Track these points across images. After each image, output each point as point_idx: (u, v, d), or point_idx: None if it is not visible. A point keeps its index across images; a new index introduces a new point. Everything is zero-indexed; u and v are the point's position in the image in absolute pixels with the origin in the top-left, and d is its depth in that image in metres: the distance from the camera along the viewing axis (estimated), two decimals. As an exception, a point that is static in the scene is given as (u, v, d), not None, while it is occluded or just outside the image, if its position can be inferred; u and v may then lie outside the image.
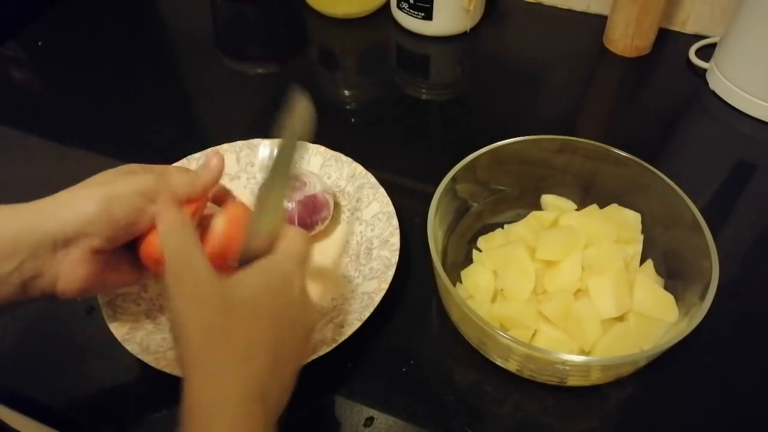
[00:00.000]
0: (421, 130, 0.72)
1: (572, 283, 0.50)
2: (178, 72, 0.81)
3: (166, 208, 0.39)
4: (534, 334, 0.49)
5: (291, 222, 0.55)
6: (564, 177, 0.59)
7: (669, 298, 0.49)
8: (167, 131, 0.71)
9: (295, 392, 0.38)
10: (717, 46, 0.73)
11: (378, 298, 0.49)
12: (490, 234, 0.57)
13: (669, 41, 0.79)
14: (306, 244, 0.41)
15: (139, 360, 0.47)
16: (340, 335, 0.48)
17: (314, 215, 0.56)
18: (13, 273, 0.38)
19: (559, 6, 0.85)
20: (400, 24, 0.82)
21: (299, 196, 0.55)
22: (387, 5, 0.84)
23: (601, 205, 0.57)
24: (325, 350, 0.47)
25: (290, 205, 0.55)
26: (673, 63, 0.78)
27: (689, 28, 0.80)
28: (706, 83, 0.74)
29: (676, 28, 0.81)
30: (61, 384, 0.51)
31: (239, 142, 0.63)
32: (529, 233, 0.55)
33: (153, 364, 0.46)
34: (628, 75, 0.78)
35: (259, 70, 0.82)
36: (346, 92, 0.79)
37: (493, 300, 0.52)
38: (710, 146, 0.70)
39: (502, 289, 0.51)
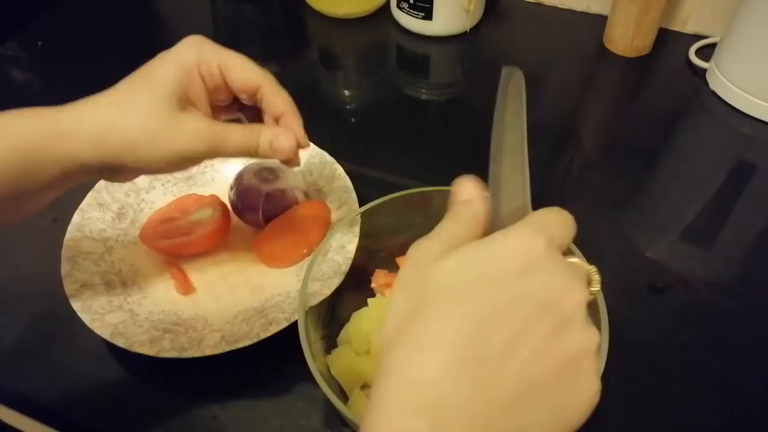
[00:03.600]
0: (421, 130, 0.72)
1: None
2: (178, 72, 0.81)
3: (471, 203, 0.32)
4: None
5: (255, 214, 0.56)
6: None
7: None
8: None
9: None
10: (717, 46, 0.73)
11: (314, 302, 0.47)
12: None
13: (669, 41, 0.79)
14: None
15: (139, 360, 0.47)
16: (266, 332, 0.48)
17: (279, 211, 0.56)
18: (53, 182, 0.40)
19: (559, 6, 0.85)
20: (400, 24, 0.82)
21: (268, 188, 0.56)
22: (387, 5, 0.84)
23: None
24: (244, 344, 0.47)
25: (259, 196, 0.55)
26: (673, 63, 0.78)
27: (689, 28, 0.80)
28: (706, 83, 0.74)
29: (676, 28, 0.81)
30: (61, 384, 0.51)
31: None
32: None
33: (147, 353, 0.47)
34: (628, 75, 0.78)
35: (259, 70, 0.82)
36: (346, 92, 0.79)
37: (368, 351, 0.47)
38: (710, 146, 0.70)
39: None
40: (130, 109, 0.40)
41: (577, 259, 0.30)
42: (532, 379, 0.25)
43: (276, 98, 0.44)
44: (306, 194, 0.59)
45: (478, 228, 0.31)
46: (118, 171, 0.42)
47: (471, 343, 0.25)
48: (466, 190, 0.34)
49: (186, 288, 0.54)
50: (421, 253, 0.29)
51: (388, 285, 0.53)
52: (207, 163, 0.63)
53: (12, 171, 0.38)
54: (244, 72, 0.44)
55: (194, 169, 0.63)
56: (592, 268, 0.30)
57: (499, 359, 0.25)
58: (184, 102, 0.42)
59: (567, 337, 0.26)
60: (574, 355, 0.26)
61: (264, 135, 0.43)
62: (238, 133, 0.43)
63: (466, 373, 0.25)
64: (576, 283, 0.27)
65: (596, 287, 0.30)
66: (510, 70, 0.37)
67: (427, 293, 0.27)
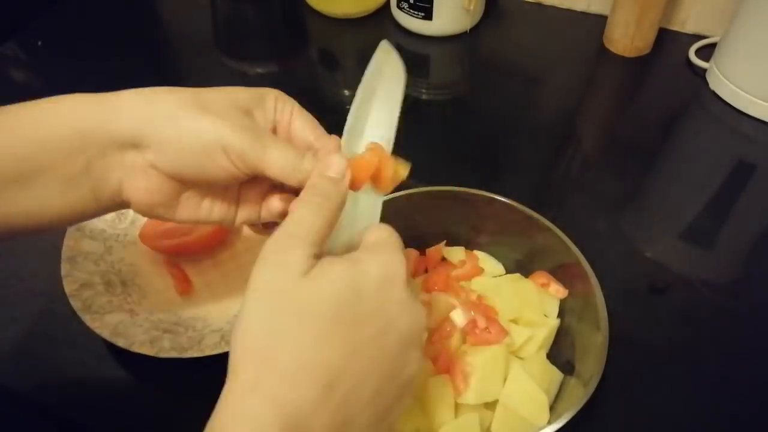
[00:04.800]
0: (421, 130, 0.72)
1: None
2: (178, 71, 0.81)
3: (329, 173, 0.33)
4: None
5: None
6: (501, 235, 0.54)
7: (542, 398, 0.44)
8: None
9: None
10: (717, 46, 0.73)
11: None
12: None
13: (669, 41, 0.79)
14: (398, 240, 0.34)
15: (139, 360, 0.47)
16: None
17: None
18: (81, 173, 0.34)
19: (559, 6, 0.85)
20: (400, 24, 0.82)
21: None
22: (387, 5, 0.84)
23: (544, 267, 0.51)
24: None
25: None
26: (673, 63, 0.78)
27: (689, 28, 0.80)
28: (706, 83, 0.74)
29: (676, 27, 0.81)
30: (61, 384, 0.51)
31: None
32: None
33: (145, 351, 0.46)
34: (628, 75, 0.78)
35: (259, 70, 0.82)
36: (346, 92, 0.79)
37: None
38: (710, 146, 0.70)
39: None
40: (176, 91, 0.35)
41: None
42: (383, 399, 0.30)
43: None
44: None
45: (337, 217, 0.33)
46: (139, 150, 0.35)
47: (337, 373, 0.28)
48: (335, 165, 0.34)
49: (186, 288, 0.54)
50: (284, 259, 0.30)
51: None
52: None
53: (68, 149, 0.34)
54: (310, 122, 0.39)
55: None
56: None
57: (357, 381, 0.29)
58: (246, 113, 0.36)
59: (410, 358, 0.32)
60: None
61: (308, 154, 0.36)
62: (283, 141, 0.36)
63: (331, 403, 0.28)
64: (419, 312, 0.32)
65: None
66: (388, 49, 0.40)
67: (293, 315, 0.29)
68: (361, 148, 0.37)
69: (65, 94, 0.36)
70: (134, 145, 0.34)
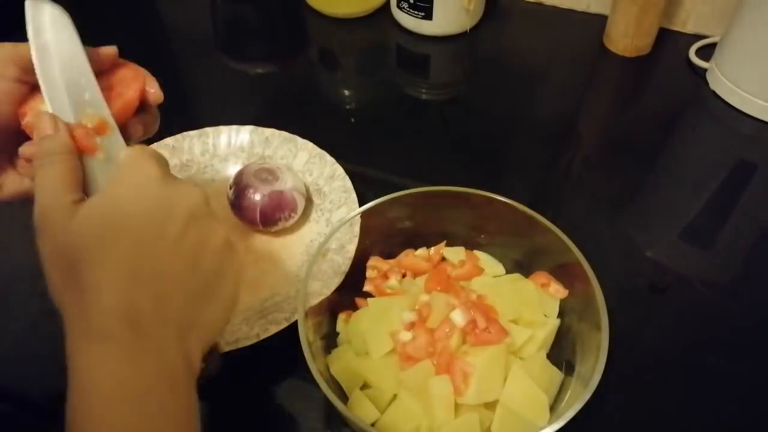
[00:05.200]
0: (420, 129, 0.72)
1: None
2: (177, 71, 0.81)
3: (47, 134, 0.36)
4: (394, 398, 0.45)
5: (253, 214, 0.56)
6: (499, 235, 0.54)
7: (542, 399, 0.44)
8: (166, 130, 0.71)
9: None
10: (717, 45, 0.73)
11: (314, 302, 0.47)
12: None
13: (669, 41, 0.79)
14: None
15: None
16: (265, 332, 0.48)
17: (277, 212, 0.56)
18: None
19: (559, 6, 0.85)
20: (400, 23, 0.82)
21: (267, 189, 0.56)
22: (387, 5, 0.84)
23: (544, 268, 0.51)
24: (244, 344, 0.47)
25: (257, 196, 0.55)
26: (673, 63, 0.78)
27: (689, 28, 0.80)
28: (706, 83, 0.74)
29: (676, 27, 0.81)
30: (61, 384, 0.51)
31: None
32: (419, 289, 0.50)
33: None
34: (628, 75, 0.78)
35: (259, 70, 0.82)
36: (346, 92, 0.79)
37: (367, 351, 0.47)
38: (710, 146, 0.70)
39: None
40: None
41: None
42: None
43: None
44: (305, 196, 0.59)
45: (74, 161, 0.35)
46: None
47: (134, 266, 0.32)
48: (46, 124, 0.36)
49: None
50: (50, 221, 0.33)
51: (381, 272, 0.53)
52: (207, 162, 0.63)
53: None
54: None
55: (194, 169, 0.63)
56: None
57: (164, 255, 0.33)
58: None
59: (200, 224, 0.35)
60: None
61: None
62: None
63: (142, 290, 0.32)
64: (187, 192, 0.35)
65: None
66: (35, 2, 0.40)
67: (82, 245, 0.32)
68: (77, 115, 0.38)
69: None
70: None
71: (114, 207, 0.33)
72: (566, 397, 0.45)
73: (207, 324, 0.34)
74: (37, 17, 0.40)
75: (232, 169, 0.61)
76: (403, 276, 0.53)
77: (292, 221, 0.58)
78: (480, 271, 0.53)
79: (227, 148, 0.63)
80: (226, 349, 0.47)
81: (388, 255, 0.54)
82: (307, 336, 0.43)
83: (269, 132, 0.63)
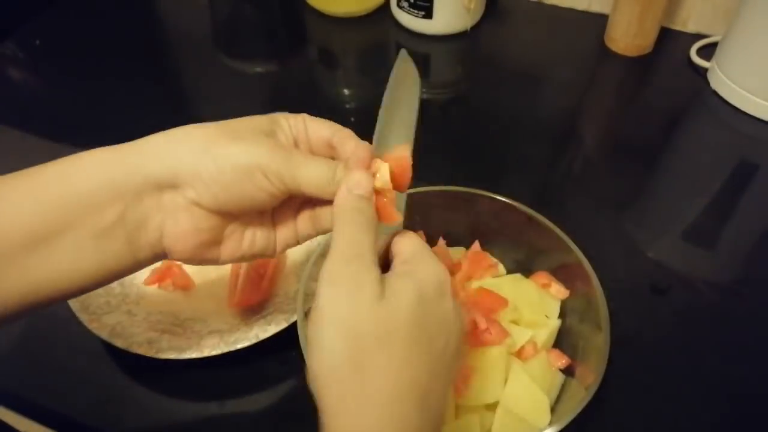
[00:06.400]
0: (421, 129, 0.72)
1: None
2: (177, 71, 0.81)
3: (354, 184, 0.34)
4: None
5: None
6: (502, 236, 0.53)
7: (543, 400, 0.44)
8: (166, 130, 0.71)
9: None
10: (718, 45, 0.73)
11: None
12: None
13: (670, 40, 0.79)
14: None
15: (137, 361, 0.47)
16: (265, 333, 0.48)
17: None
18: (116, 224, 0.34)
19: (560, 5, 0.85)
20: (400, 23, 0.82)
21: None
22: (387, 4, 0.84)
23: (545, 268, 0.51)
24: (243, 345, 0.47)
25: None
26: (675, 62, 0.77)
27: (690, 27, 0.80)
28: (708, 82, 0.74)
29: (677, 27, 0.80)
30: (60, 384, 0.51)
31: None
32: None
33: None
34: (629, 74, 0.78)
35: (259, 69, 0.82)
36: (346, 91, 0.79)
37: None
38: (711, 146, 0.70)
39: None
40: (201, 126, 0.36)
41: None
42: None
43: (349, 142, 0.39)
44: None
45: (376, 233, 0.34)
46: (178, 190, 0.35)
47: (427, 389, 0.31)
48: (363, 184, 0.35)
49: (186, 283, 0.54)
50: (358, 285, 0.31)
51: None
52: None
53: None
54: (321, 121, 0.39)
55: None
56: None
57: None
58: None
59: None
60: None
61: (339, 166, 0.37)
62: (313, 156, 0.37)
63: (428, 416, 0.31)
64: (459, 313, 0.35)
65: None
66: (407, 59, 0.41)
67: (378, 344, 0.30)
68: (388, 149, 0.39)
69: (88, 150, 0.35)
70: (172, 185, 0.34)
71: (421, 311, 0.32)
72: (567, 399, 0.44)
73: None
74: (401, 68, 0.41)
75: None
76: None
77: None
78: (494, 271, 0.52)
79: None
80: (225, 349, 0.47)
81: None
82: (307, 336, 0.43)
83: None
